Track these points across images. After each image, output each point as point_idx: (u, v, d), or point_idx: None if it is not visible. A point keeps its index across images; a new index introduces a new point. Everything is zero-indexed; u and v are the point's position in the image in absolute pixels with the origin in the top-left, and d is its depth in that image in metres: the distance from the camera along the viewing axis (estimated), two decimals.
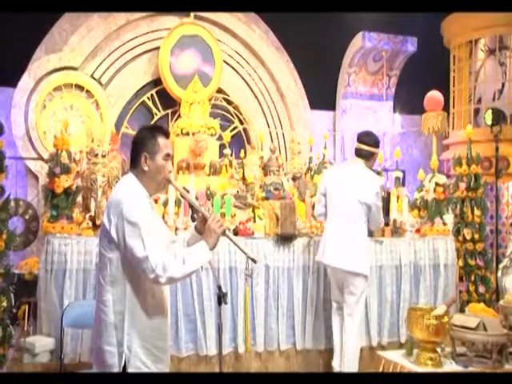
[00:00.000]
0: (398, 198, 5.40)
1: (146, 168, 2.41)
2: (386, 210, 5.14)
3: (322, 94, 8.00)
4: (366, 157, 4.28)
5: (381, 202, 4.33)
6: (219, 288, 2.47)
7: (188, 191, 2.58)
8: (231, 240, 2.46)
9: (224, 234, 2.40)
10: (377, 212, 4.28)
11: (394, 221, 5.18)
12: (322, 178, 4.47)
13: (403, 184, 5.80)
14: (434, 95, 6.07)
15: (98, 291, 2.40)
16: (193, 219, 4.55)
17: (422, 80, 7.26)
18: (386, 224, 5.08)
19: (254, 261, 2.47)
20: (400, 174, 5.74)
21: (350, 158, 4.54)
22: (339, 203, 4.28)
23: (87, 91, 6.91)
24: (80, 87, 6.89)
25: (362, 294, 4.27)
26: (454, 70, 8.28)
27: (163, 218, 4.49)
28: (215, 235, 2.37)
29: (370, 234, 5.03)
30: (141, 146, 2.44)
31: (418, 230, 5.32)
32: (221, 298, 2.44)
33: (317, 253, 4.44)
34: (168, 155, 2.45)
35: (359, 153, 4.30)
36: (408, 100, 8.01)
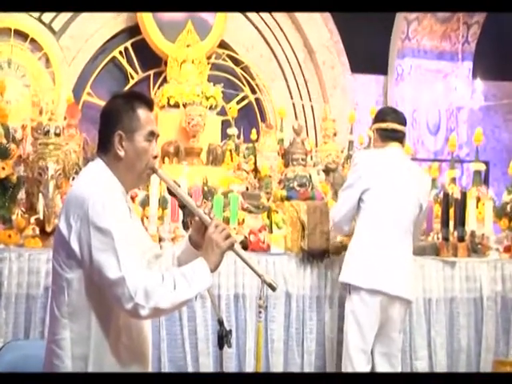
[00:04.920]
0: (478, 200, 5.38)
1: (121, 152, 2.42)
2: (461, 219, 5.12)
3: (368, 51, 7.99)
4: (402, 141, 4.49)
5: None
6: (220, 324, 2.47)
7: (179, 186, 2.59)
8: (241, 257, 2.45)
9: (231, 248, 2.39)
10: (425, 218, 4.53)
11: (472, 234, 5.16)
12: (356, 171, 4.46)
13: (486, 181, 5.78)
14: None
15: (51, 327, 2.39)
16: (185, 226, 4.56)
17: None
18: (461, 239, 5.06)
19: (272, 288, 2.45)
20: (482, 167, 5.72)
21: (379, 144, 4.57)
22: (395, 207, 4.32)
23: (33, 41, 6.94)
24: (22, 35, 6.92)
25: None
26: None
27: (142, 223, 4.51)
28: (218, 251, 2.36)
29: (436, 251, 5.04)
30: (113, 122, 2.44)
31: (507, 248, 5.29)
32: (222, 339, 2.43)
33: (357, 276, 4.33)
34: (152, 133, 2.46)
35: (397, 136, 4.45)
36: (495, 60, 7.96)
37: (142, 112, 2.45)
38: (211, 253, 2.36)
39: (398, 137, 4.45)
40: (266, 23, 7.81)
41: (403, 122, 4.51)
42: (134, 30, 7.40)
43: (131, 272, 2.25)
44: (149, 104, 2.50)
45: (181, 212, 4.61)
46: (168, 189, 2.59)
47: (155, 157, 2.48)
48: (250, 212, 5.06)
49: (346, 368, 4.31)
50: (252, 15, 7.74)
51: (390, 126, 4.43)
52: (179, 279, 2.29)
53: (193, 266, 2.35)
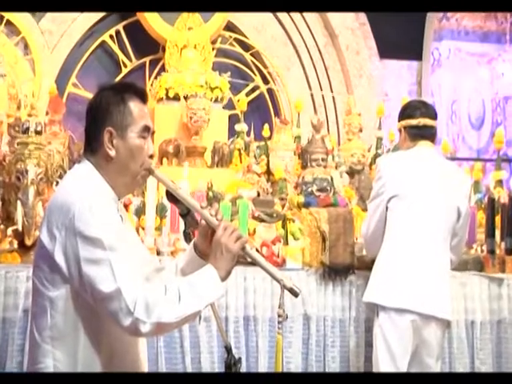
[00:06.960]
0: None
1: (111, 152, 2.45)
2: (509, 228, 5.12)
3: (399, 34, 7.99)
4: (434, 139, 4.52)
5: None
6: (228, 351, 2.48)
7: (179, 188, 2.61)
8: (255, 260, 2.46)
9: (243, 251, 2.41)
10: (467, 226, 4.53)
11: None
12: (380, 179, 4.48)
13: None
14: None
15: (31, 355, 2.41)
16: (186, 238, 4.56)
17: None
18: (509, 251, 5.06)
19: (294, 293, 2.47)
20: None
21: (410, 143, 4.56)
22: (426, 214, 4.33)
23: (9, 23, 6.98)
24: None
25: None
26: None
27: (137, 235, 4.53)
28: (229, 255, 2.39)
29: (480, 266, 5.04)
30: (102, 117, 2.47)
31: None
32: (231, 368, 2.46)
33: (384, 294, 4.34)
34: (146, 129, 2.49)
35: (429, 132, 4.47)
36: None
37: (134, 105, 2.48)
38: (221, 258, 2.39)
39: (430, 134, 4.47)
40: None
41: (435, 116, 4.53)
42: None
43: (128, 283, 2.26)
44: (142, 96, 2.53)
45: (182, 221, 4.63)
46: (167, 194, 2.60)
47: (151, 156, 2.51)
48: (262, 221, 5.06)
49: None
50: None
51: (421, 122, 4.45)
52: (185, 289, 2.31)
53: (200, 274, 2.37)
